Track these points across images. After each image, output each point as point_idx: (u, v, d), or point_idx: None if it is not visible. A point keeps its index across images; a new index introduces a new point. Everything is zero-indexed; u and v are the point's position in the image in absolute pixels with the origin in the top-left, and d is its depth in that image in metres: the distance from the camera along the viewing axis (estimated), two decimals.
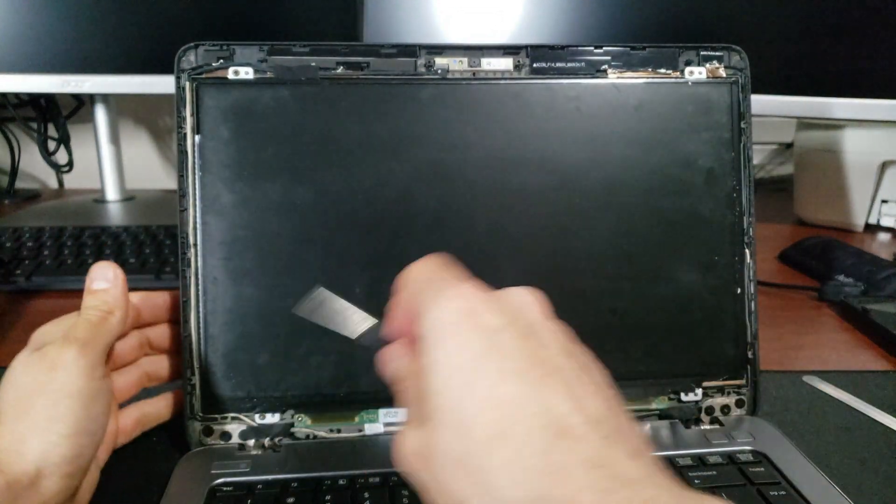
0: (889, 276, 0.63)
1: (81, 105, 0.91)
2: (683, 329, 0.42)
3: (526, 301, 0.27)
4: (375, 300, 0.39)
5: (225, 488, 0.35)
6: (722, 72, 0.43)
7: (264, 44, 0.40)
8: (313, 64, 0.40)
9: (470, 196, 0.41)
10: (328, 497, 0.35)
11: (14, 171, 0.95)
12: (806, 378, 0.49)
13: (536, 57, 0.42)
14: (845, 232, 0.84)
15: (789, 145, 1.08)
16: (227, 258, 0.39)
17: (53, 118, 0.90)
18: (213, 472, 0.36)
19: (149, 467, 0.38)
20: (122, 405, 0.39)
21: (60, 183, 1.03)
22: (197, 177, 0.39)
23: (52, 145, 0.91)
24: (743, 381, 0.42)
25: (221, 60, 0.39)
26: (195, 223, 0.39)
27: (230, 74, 0.39)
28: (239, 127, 0.39)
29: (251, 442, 0.39)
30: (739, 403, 0.43)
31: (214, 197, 0.39)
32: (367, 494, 0.35)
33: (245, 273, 0.39)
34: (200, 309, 0.38)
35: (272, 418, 0.39)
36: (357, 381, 0.40)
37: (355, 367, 0.39)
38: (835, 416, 0.45)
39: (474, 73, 0.41)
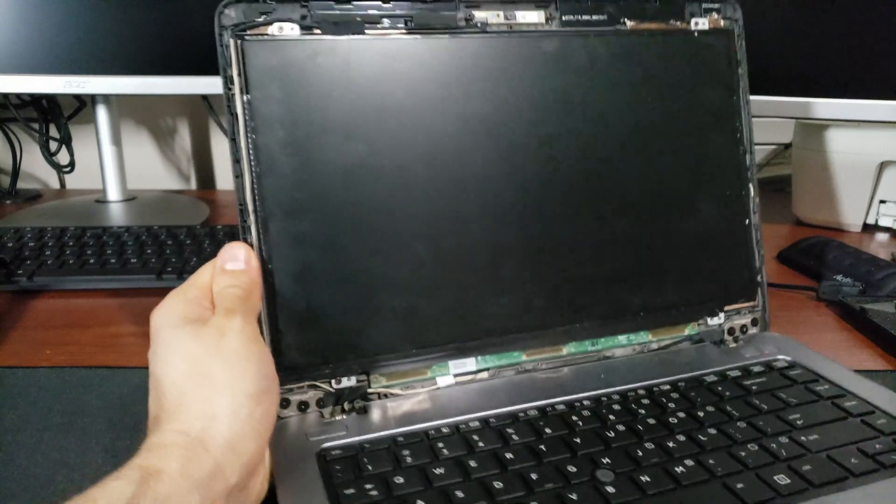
0: (887, 275, 0.63)
1: (83, 106, 0.92)
2: (704, 258, 0.46)
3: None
4: (436, 257, 0.40)
5: (334, 452, 0.36)
6: (721, 22, 0.47)
7: None
8: (358, 19, 0.39)
9: (514, 146, 0.42)
10: (441, 445, 0.36)
11: (16, 172, 0.95)
12: None
13: (565, 10, 0.44)
14: (843, 232, 0.85)
15: (787, 145, 1.09)
16: (287, 223, 0.38)
17: (55, 119, 0.90)
18: (311, 440, 0.36)
19: None
20: None
21: (62, 183, 1.04)
22: (250, 139, 0.37)
23: (53, 146, 0.91)
24: (756, 302, 0.48)
25: (264, 16, 0.38)
26: (252, 188, 0.37)
27: (275, 30, 0.38)
28: (288, 85, 0.38)
29: (329, 409, 0.39)
30: (754, 322, 0.48)
31: (269, 159, 0.37)
32: (476, 438, 0.36)
33: (306, 237, 0.38)
34: (265, 279, 0.38)
35: (348, 382, 0.39)
36: (426, 336, 0.40)
37: (424, 322, 0.40)
38: None
39: (510, 26, 0.43)
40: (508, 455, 0.35)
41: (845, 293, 0.62)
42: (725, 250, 0.46)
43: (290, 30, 0.38)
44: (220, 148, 1.05)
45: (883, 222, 0.84)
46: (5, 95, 0.87)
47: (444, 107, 0.40)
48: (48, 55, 0.71)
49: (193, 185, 1.07)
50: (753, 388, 0.41)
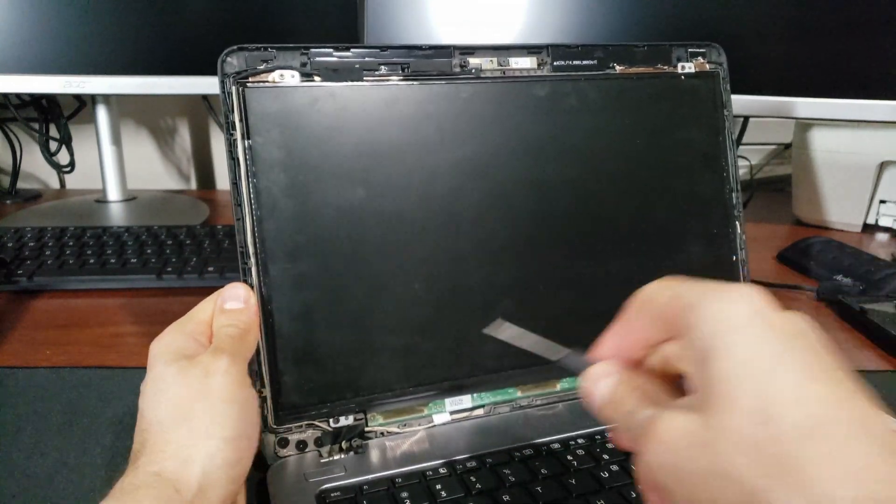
0: (887, 275, 0.63)
1: (83, 106, 0.92)
2: None
3: (808, 324, 0.25)
4: (433, 296, 0.41)
5: (333, 494, 0.36)
6: (706, 66, 0.48)
7: (305, 46, 0.39)
8: (357, 66, 0.40)
9: (509, 188, 0.43)
10: (438, 486, 0.36)
11: (16, 172, 0.95)
12: None
13: (556, 55, 0.45)
14: (843, 232, 0.85)
15: (787, 146, 1.09)
16: (288, 264, 0.38)
17: (55, 119, 0.90)
18: (310, 480, 0.37)
19: None
20: None
21: (62, 183, 1.04)
22: (251, 183, 0.38)
23: (53, 146, 0.91)
24: None
25: (265, 63, 0.39)
26: (253, 231, 0.38)
27: (276, 77, 0.39)
28: (289, 130, 0.38)
29: (327, 448, 0.39)
30: None
31: (270, 203, 0.38)
32: (473, 478, 0.36)
33: (305, 278, 0.38)
34: (266, 319, 0.38)
35: (346, 420, 0.39)
36: (422, 373, 0.41)
37: (421, 360, 0.40)
38: None
39: (503, 72, 0.43)
40: (505, 497, 0.35)
41: (845, 293, 0.62)
42: None
43: (291, 77, 0.39)
44: (219, 148, 1.05)
45: (883, 222, 0.84)
46: (5, 95, 0.87)
47: (439, 150, 0.41)
48: (48, 55, 0.71)
49: (193, 185, 1.07)
50: None
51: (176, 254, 0.66)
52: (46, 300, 0.61)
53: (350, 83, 0.40)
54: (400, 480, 0.36)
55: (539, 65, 0.44)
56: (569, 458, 0.38)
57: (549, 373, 0.44)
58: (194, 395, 0.31)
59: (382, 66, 0.41)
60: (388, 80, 0.41)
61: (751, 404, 0.22)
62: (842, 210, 0.85)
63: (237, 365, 0.33)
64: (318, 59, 0.40)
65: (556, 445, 0.40)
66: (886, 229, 0.85)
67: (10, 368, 0.49)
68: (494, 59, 0.43)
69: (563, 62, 0.45)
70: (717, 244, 0.47)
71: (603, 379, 0.28)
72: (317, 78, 0.39)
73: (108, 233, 0.69)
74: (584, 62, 0.45)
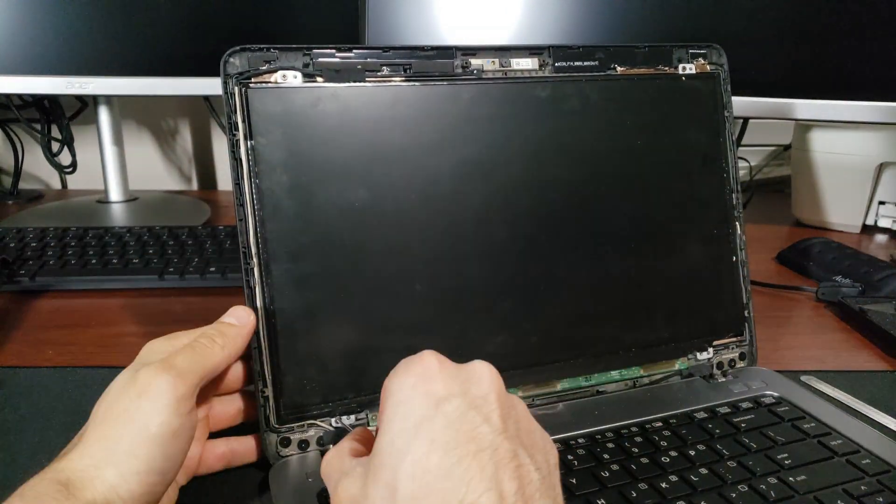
0: (886, 276, 0.64)
1: (85, 106, 0.92)
2: (693, 295, 0.47)
3: (483, 374, 0.29)
4: (434, 296, 0.41)
5: None
6: (707, 67, 0.48)
7: (307, 47, 0.39)
8: (359, 67, 0.40)
9: (510, 189, 0.43)
10: None
11: (18, 172, 0.95)
12: (804, 378, 0.50)
13: (558, 56, 0.45)
14: (843, 233, 0.85)
15: (787, 147, 1.09)
16: (290, 265, 0.38)
17: (57, 119, 0.91)
18: (311, 480, 0.37)
19: (225, 489, 0.38)
20: (213, 434, 0.38)
21: (64, 184, 1.04)
22: (253, 184, 0.38)
23: (55, 146, 0.92)
24: (744, 337, 0.48)
25: (268, 64, 0.39)
26: (256, 232, 0.38)
27: (278, 78, 0.39)
28: (291, 131, 0.38)
29: (330, 447, 0.39)
30: (742, 356, 0.49)
31: (272, 203, 0.38)
32: None
33: (307, 279, 0.38)
34: (268, 319, 0.38)
35: (348, 420, 0.40)
36: None
37: None
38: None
39: (505, 73, 0.43)
40: None
41: (845, 294, 0.62)
42: (714, 287, 0.47)
43: (293, 78, 0.39)
44: (221, 148, 1.05)
45: (882, 223, 0.85)
46: (7, 96, 0.87)
47: (441, 151, 0.41)
48: (50, 56, 0.71)
49: (195, 186, 1.07)
50: (742, 425, 0.41)
51: (178, 254, 0.66)
52: (49, 300, 0.61)
53: (352, 84, 0.40)
54: None
55: (541, 66, 0.44)
56: (569, 457, 0.38)
57: (550, 373, 0.44)
58: (123, 415, 0.31)
59: (385, 67, 0.41)
60: (390, 81, 0.41)
61: (385, 478, 0.25)
62: (841, 211, 0.85)
63: (178, 388, 0.32)
64: (320, 59, 0.40)
65: (558, 445, 0.40)
66: (885, 230, 0.85)
67: (12, 368, 0.49)
68: (496, 60, 0.43)
69: (564, 63, 0.45)
70: (717, 244, 0.48)
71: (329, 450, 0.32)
72: (319, 79, 0.39)
73: (110, 233, 0.69)
74: (586, 63, 0.45)
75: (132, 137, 1.01)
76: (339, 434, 0.39)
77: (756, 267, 0.72)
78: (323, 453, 0.39)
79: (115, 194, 0.85)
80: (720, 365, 0.48)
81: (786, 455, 0.38)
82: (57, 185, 1.04)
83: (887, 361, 0.53)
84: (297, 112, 0.39)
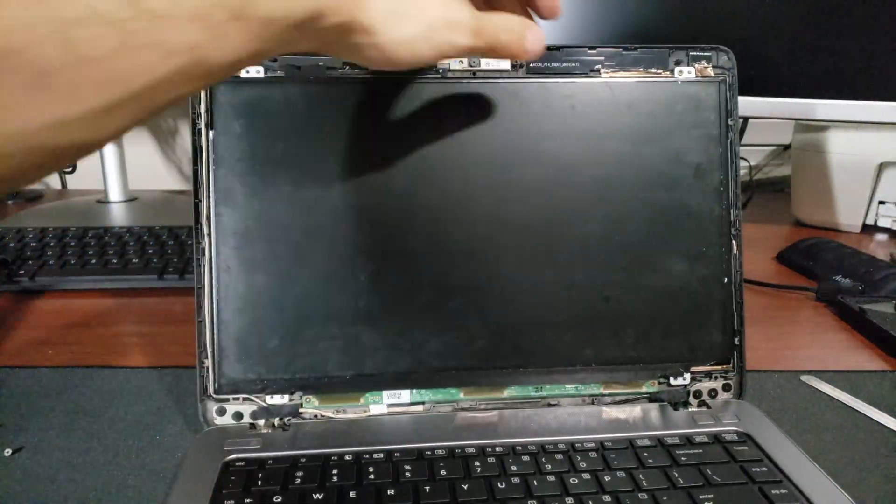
0: (886, 276, 0.64)
1: None
2: (673, 316, 0.44)
3: None
4: (380, 289, 0.42)
5: (238, 463, 0.38)
6: (710, 71, 0.45)
7: None
8: (321, 63, 0.41)
9: (469, 190, 0.42)
10: (335, 472, 0.37)
11: None
12: (804, 377, 0.50)
13: None
14: (842, 233, 0.85)
15: (787, 146, 1.09)
16: (239, 247, 0.41)
17: None
18: (226, 448, 0.39)
19: (163, 445, 0.41)
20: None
21: (63, 184, 1.04)
22: (211, 170, 0.40)
23: None
24: (730, 367, 0.44)
25: None
26: (209, 214, 0.40)
27: (241, 73, 0.41)
28: (251, 123, 0.41)
29: (262, 421, 0.41)
30: (726, 387, 0.45)
31: (227, 189, 0.41)
32: (371, 469, 0.37)
33: (256, 262, 0.41)
34: (214, 295, 0.40)
35: (281, 399, 0.41)
36: (362, 364, 0.41)
37: (361, 351, 0.41)
38: (832, 416, 0.45)
39: (474, 73, 0.43)
40: (390, 492, 0.35)
41: (844, 294, 0.62)
42: (697, 309, 0.44)
43: (256, 72, 0.41)
44: None
45: (882, 223, 0.85)
46: None
47: (398, 149, 0.41)
48: None
49: None
50: (682, 459, 0.38)
51: (178, 254, 0.66)
52: (48, 300, 0.61)
53: (312, 80, 0.41)
54: (304, 461, 0.37)
55: (513, 66, 0.43)
56: (475, 463, 0.37)
57: (497, 377, 0.42)
58: None
59: (346, 66, 0.41)
60: (349, 78, 0.41)
61: None
62: (841, 211, 0.85)
63: None
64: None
65: (471, 450, 0.38)
66: (885, 230, 0.85)
67: (12, 368, 0.49)
68: (464, 59, 0.42)
69: (539, 64, 0.43)
70: (706, 264, 0.44)
71: None
72: (280, 73, 0.41)
73: (110, 233, 0.69)
74: (564, 65, 0.43)
75: (132, 137, 1.01)
76: (271, 411, 0.41)
77: (756, 267, 0.72)
78: (254, 427, 0.41)
79: (114, 194, 0.85)
80: (698, 393, 0.44)
81: (710, 497, 0.35)
82: (56, 185, 1.04)
83: (887, 361, 0.53)
84: (257, 105, 0.41)
